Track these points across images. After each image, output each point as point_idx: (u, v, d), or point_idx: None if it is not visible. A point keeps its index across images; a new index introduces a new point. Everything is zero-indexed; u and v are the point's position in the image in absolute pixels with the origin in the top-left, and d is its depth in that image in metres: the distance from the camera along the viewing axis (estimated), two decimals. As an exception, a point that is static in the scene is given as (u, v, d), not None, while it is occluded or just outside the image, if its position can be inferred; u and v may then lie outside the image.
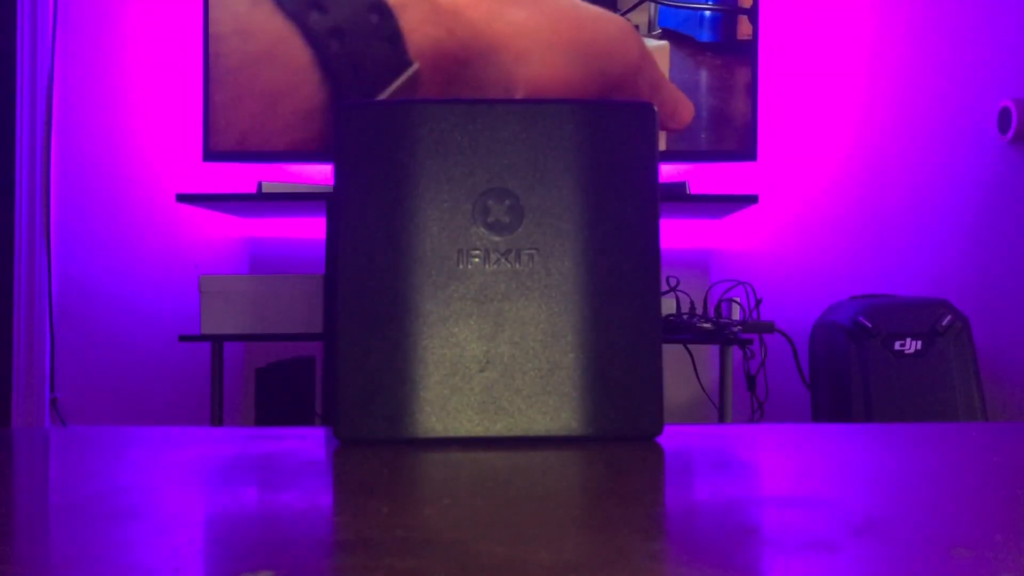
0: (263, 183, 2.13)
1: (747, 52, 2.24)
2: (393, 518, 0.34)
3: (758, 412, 2.22)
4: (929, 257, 2.47)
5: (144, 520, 0.35)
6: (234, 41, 2.05)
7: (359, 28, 1.89)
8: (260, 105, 2.11)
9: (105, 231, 2.45)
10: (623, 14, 2.26)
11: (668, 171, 2.32)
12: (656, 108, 0.54)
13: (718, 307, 2.02)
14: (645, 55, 2.04)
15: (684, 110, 2.04)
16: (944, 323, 2.03)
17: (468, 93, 1.83)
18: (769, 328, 1.96)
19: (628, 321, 0.52)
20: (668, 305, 2.06)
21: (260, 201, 2.08)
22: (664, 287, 2.04)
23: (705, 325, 1.89)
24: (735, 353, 2.11)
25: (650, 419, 0.51)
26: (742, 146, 2.23)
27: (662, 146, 2.07)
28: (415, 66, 1.84)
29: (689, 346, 2.15)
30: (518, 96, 1.79)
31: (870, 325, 2.03)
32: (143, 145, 2.44)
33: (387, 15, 1.82)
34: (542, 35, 1.81)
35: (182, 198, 2.09)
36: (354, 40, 1.90)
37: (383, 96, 1.92)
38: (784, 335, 2.13)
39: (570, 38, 1.85)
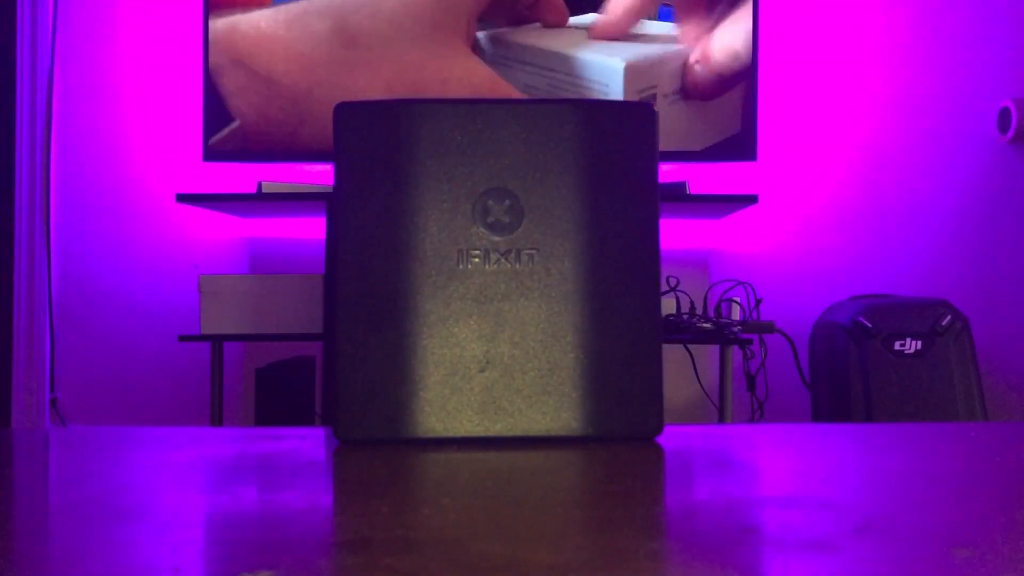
0: (263, 183, 2.13)
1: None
2: (393, 518, 0.34)
3: (758, 412, 2.22)
4: (929, 257, 2.47)
5: (144, 520, 0.35)
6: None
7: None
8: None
9: (105, 231, 2.45)
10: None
11: (668, 171, 2.32)
12: (655, 107, 0.54)
13: (718, 307, 2.02)
14: None
15: None
16: (944, 323, 2.02)
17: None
18: (769, 328, 1.96)
19: (628, 321, 0.52)
20: (668, 305, 2.06)
21: (260, 201, 2.08)
22: (664, 287, 2.04)
23: (705, 325, 1.89)
24: (735, 353, 2.11)
25: (650, 419, 0.51)
26: (742, 146, 2.23)
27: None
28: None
29: (689, 346, 2.15)
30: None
31: (870, 325, 2.03)
32: (143, 145, 2.44)
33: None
34: None
35: (182, 198, 2.09)
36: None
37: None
38: (784, 335, 2.13)
39: None
